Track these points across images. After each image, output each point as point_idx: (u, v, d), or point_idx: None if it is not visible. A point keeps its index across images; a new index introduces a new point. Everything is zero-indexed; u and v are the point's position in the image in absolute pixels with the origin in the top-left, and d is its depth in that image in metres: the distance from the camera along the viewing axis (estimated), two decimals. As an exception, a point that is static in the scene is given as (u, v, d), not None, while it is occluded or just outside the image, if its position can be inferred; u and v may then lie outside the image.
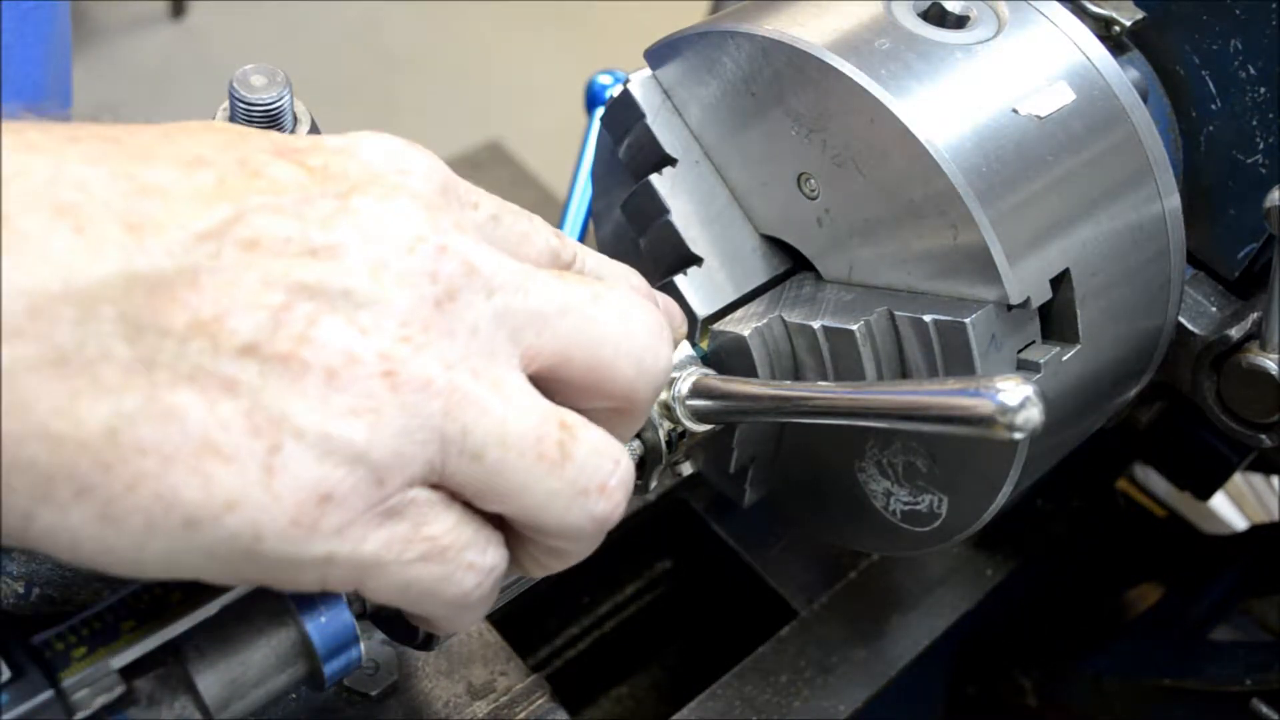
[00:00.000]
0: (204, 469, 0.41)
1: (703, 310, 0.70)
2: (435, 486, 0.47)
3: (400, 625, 0.58)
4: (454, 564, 0.48)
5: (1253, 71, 0.74)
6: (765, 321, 0.69)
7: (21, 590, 0.53)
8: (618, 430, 0.53)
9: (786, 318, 0.69)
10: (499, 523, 0.50)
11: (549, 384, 0.50)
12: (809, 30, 0.65)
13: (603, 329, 0.51)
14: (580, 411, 0.51)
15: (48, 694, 0.51)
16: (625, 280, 0.59)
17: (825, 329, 0.67)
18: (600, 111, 0.76)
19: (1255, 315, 0.75)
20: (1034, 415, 0.48)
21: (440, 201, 0.48)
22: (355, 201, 0.46)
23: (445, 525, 0.48)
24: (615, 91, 0.73)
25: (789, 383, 0.68)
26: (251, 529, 0.42)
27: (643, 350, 0.52)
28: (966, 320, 0.62)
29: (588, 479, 0.49)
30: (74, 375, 0.39)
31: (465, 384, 0.46)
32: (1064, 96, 0.66)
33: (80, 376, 0.39)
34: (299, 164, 0.46)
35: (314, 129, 0.60)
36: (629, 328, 0.51)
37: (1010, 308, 0.62)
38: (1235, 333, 0.74)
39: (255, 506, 0.42)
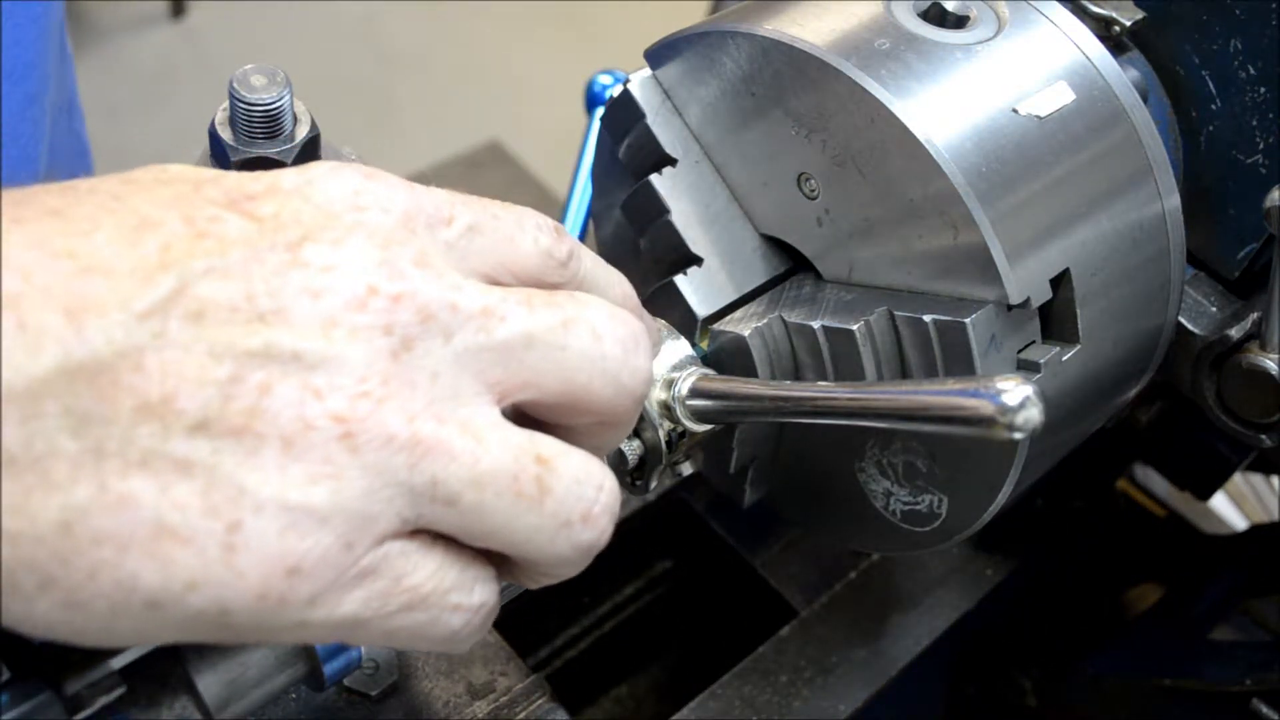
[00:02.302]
0: (161, 553, 0.41)
1: (703, 310, 0.70)
2: (414, 533, 0.46)
3: None
4: (439, 608, 0.48)
5: (1253, 71, 0.74)
6: (765, 321, 0.69)
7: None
8: (605, 439, 0.53)
9: (786, 318, 0.69)
10: (488, 550, 0.50)
11: (527, 407, 0.49)
12: (809, 30, 0.65)
13: (574, 356, 0.49)
14: (564, 427, 0.51)
15: (48, 694, 0.51)
16: (611, 287, 0.57)
17: (825, 329, 0.67)
18: (600, 111, 0.76)
19: (1255, 315, 0.74)
20: (1034, 415, 0.48)
21: (400, 235, 0.47)
22: (306, 252, 0.44)
23: (426, 572, 0.47)
24: (615, 91, 0.73)
25: (789, 383, 0.68)
26: (216, 606, 0.42)
27: (619, 368, 0.50)
28: (966, 320, 0.62)
29: (569, 510, 0.48)
30: (23, 473, 0.39)
31: (430, 433, 0.44)
32: (1064, 96, 0.66)
33: (30, 474, 0.39)
34: (248, 215, 0.45)
35: (314, 129, 0.61)
36: (603, 349, 0.49)
37: (1010, 308, 0.62)
38: (1235, 333, 0.74)
39: (218, 584, 0.42)
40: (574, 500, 0.48)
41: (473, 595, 0.49)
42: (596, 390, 0.49)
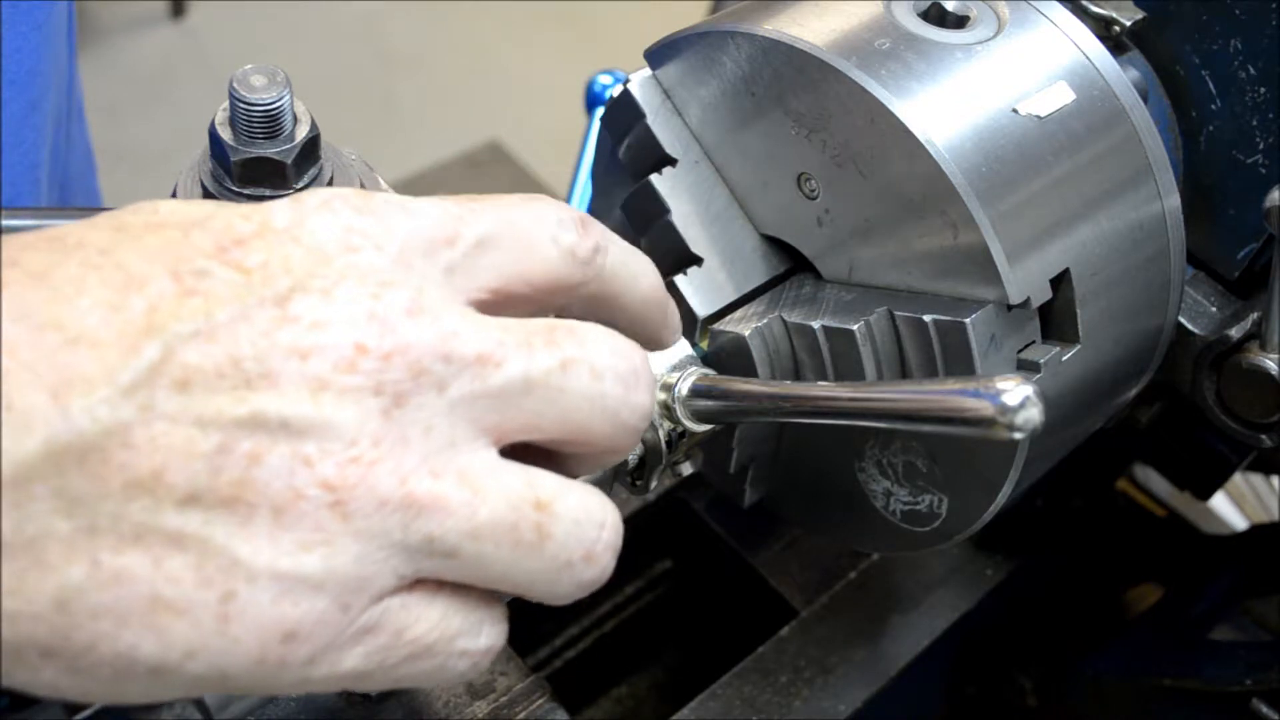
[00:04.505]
0: (158, 624, 0.41)
1: (703, 310, 0.70)
2: (416, 584, 0.46)
3: None
4: (445, 655, 0.47)
5: (1253, 71, 0.74)
6: (765, 321, 0.69)
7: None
8: (605, 463, 0.52)
9: (786, 318, 0.69)
10: None
11: (526, 443, 0.49)
12: (809, 30, 0.65)
13: (573, 397, 0.47)
14: (564, 457, 0.50)
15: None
16: (638, 279, 0.55)
17: (825, 329, 0.67)
18: (600, 111, 0.76)
19: (1255, 315, 0.74)
20: (1034, 415, 0.48)
21: (395, 274, 0.45)
22: (295, 306, 0.43)
23: (429, 623, 0.47)
24: (615, 91, 0.73)
25: (789, 383, 0.68)
26: (216, 671, 0.43)
27: (618, 406, 0.48)
28: (966, 320, 0.62)
29: (570, 552, 0.47)
30: (17, 556, 0.39)
31: (424, 491, 0.44)
32: (1064, 96, 0.66)
33: (23, 556, 0.40)
34: (237, 267, 0.44)
35: (314, 129, 0.60)
36: (602, 388, 0.48)
37: (1010, 308, 0.62)
38: (1235, 333, 0.74)
39: (216, 652, 0.42)
40: (574, 542, 0.47)
41: (479, 639, 0.49)
42: (595, 428, 0.48)
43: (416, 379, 0.44)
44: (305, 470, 0.42)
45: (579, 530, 0.47)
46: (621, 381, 0.48)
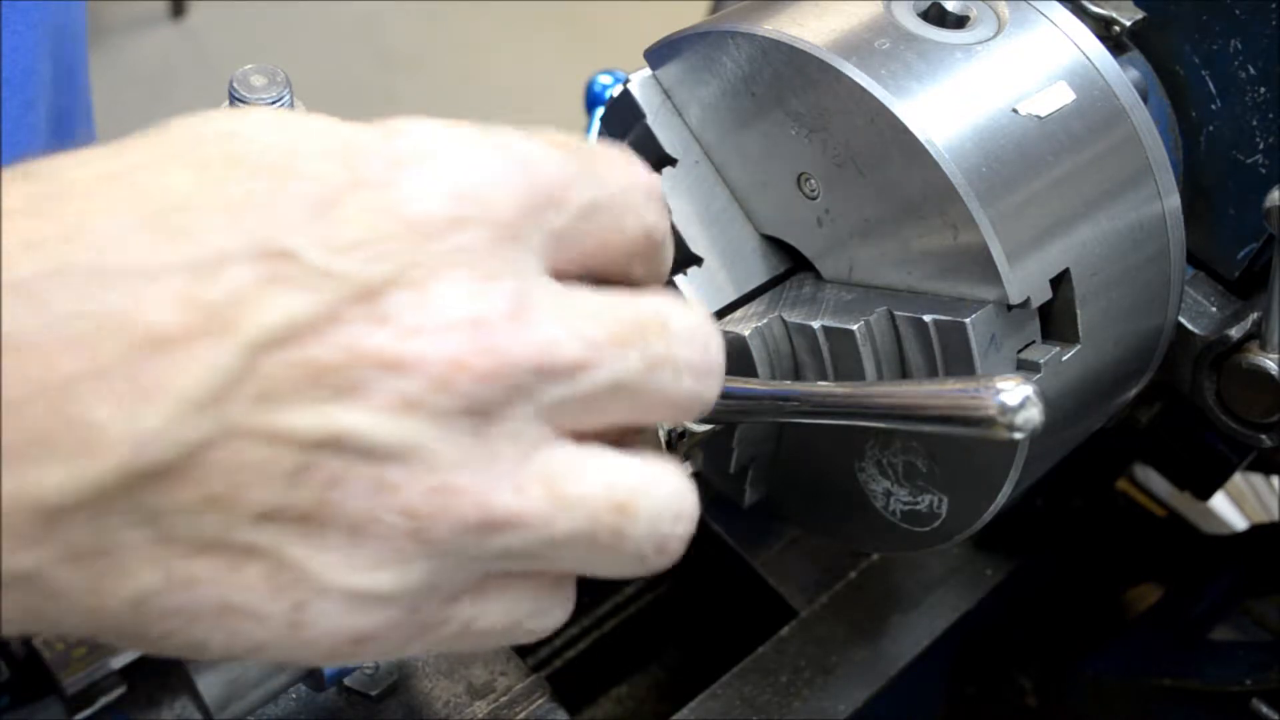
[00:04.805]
0: (228, 626, 0.42)
1: (703, 310, 0.70)
2: (489, 576, 0.45)
3: None
4: (510, 636, 0.47)
5: (1253, 71, 0.74)
6: (765, 321, 0.69)
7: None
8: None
9: (786, 318, 0.69)
10: None
11: None
12: (809, 30, 0.65)
13: (650, 396, 0.45)
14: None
15: (48, 694, 0.51)
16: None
17: (825, 329, 0.67)
18: (600, 111, 0.76)
19: (1255, 315, 0.74)
20: (1034, 415, 0.48)
21: (501, 260, 0.42)
22: (388, 304, 0.40)
23: (498, 614, 0.46)
24: (615, 91, 0.73)
25: (789, 383, 0.68)
26: (288, 658, 0.43)
27: (689, 402, 0.47)
28: (966, 320, 0.62)
29: (644, 549, 0.46)
30: (93, 564, 0.40)
31: (503, 508, 0.42)
32: (1064, 96, 0.66)
33: (100, 562, 0.40)
34: (327, 245, 0.40)
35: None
36: (679, 384, 0.46)
37: (1010, 308, 0.62)
38: (1235, 333, 0.74)
39: (285, 650, 0.43)
40: (649, 540, 0.46)
41: (546, 620, 0.48)
42: (656, 417, 0.47)
43: (510, 393, 0.41)
44: (387, 497, 0.40)
45: (654, 527, 0.46)
46: (697, 378, 0.46)
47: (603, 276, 0.48)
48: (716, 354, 0.47)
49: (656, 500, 0.45)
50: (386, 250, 0.40)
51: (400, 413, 0.40)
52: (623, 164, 0.47)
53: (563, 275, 0.45)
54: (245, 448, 0.39)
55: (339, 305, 0.39)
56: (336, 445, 0.39)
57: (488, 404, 0.41)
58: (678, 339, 0.46)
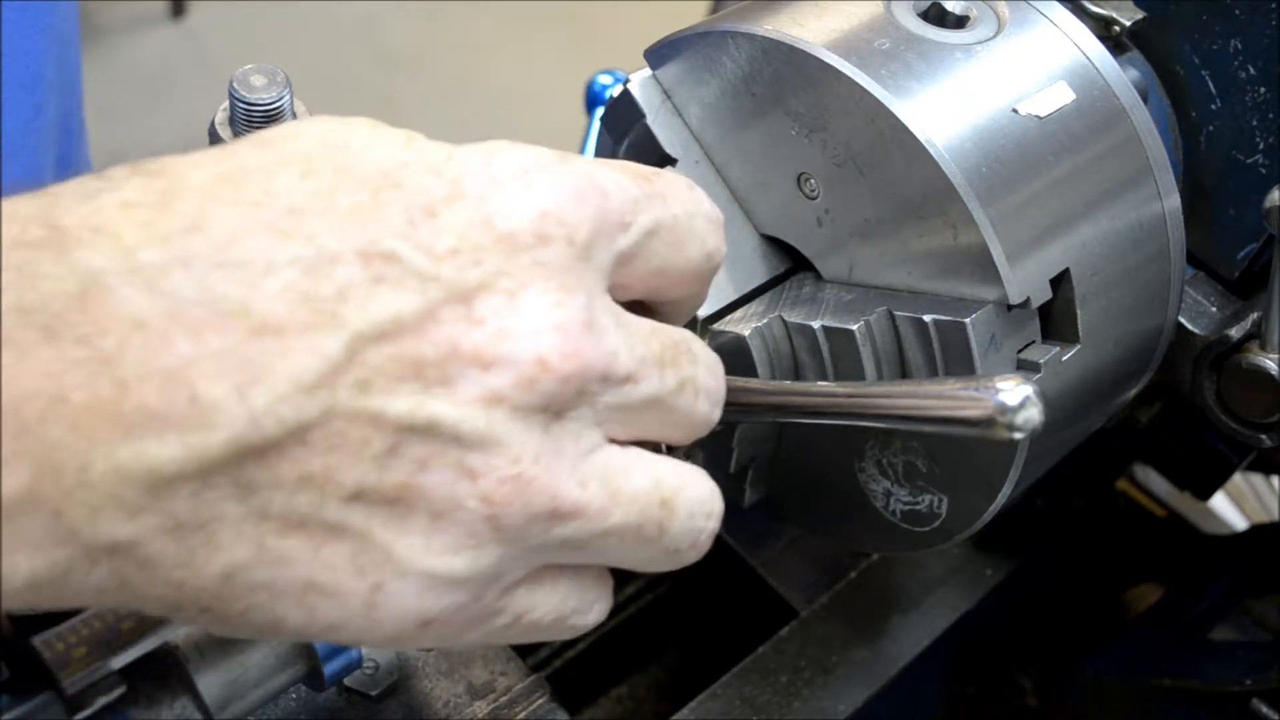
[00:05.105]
0: (309, 603, 0.44)
1: (702, 310, 0.70)
2: (541, 569, 0.49)
3: None
4: (556, 630, 0.51)
5: (1253, 71, 0.74)
6: (765, 321, 0.69)
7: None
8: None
9: (786, 318, 0.69)
10: None
11: None
12: (809, 30, 0.65)
13: (675, 413, 0.51)
14: None
15: (48, 694, 0.51)
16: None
17: (825, 329, 0.67)
18: (600, 111, 0.76)
19: (1255, 315, 0.74)
20: (1034, 415, 0.48)
21: (578, 276, 0.46)
22: (481, 307, 0.43)
23: (549, 607, 0.50)
24: (615, 91, 0.73)
25: (789, 383, 0.68)
26: (354, 639, 0.46)
27: (702, 422, 0.52)
28: (966, 320, 0.62)
29: (681, 543, 0.50)
30: (190, 536, 0.41)
31: (569, 499, 0.46)
32: (1064, 96, 0.66)
33: (196, 535, 0.41)
34: (427, 252, 0.43)
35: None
36: (696, 405, 0.52)
37: (1010, 308, 0.62)
38: (1235, 333, 0.74)
39: (355, 630, 0.45)
40: (686, 534, 0.50)
41: (589, 615, 0.52)
42: (673, 434, 0.52)
43: (579, 394, 0.46)
44: (468, 483, 0.44)
45: (691, 523, 0.50)
46: (712, 403, 0.52)
47: (651, 297, 0.53)
48: (724, 383, 0.53)
49: (692, 498, 0.50)
50: (480, 259, 0.44)
51: (486, 405, 0.43)
52: (688, 192, 0.52)
53: (619, 290, 0.50)
54: (345, 428, 0.41)
55: (437, 305, 0.43)
56: (427, 431, 0.42)
57: (561, 403, 0.45)
58: (702, 365, 0.51)
